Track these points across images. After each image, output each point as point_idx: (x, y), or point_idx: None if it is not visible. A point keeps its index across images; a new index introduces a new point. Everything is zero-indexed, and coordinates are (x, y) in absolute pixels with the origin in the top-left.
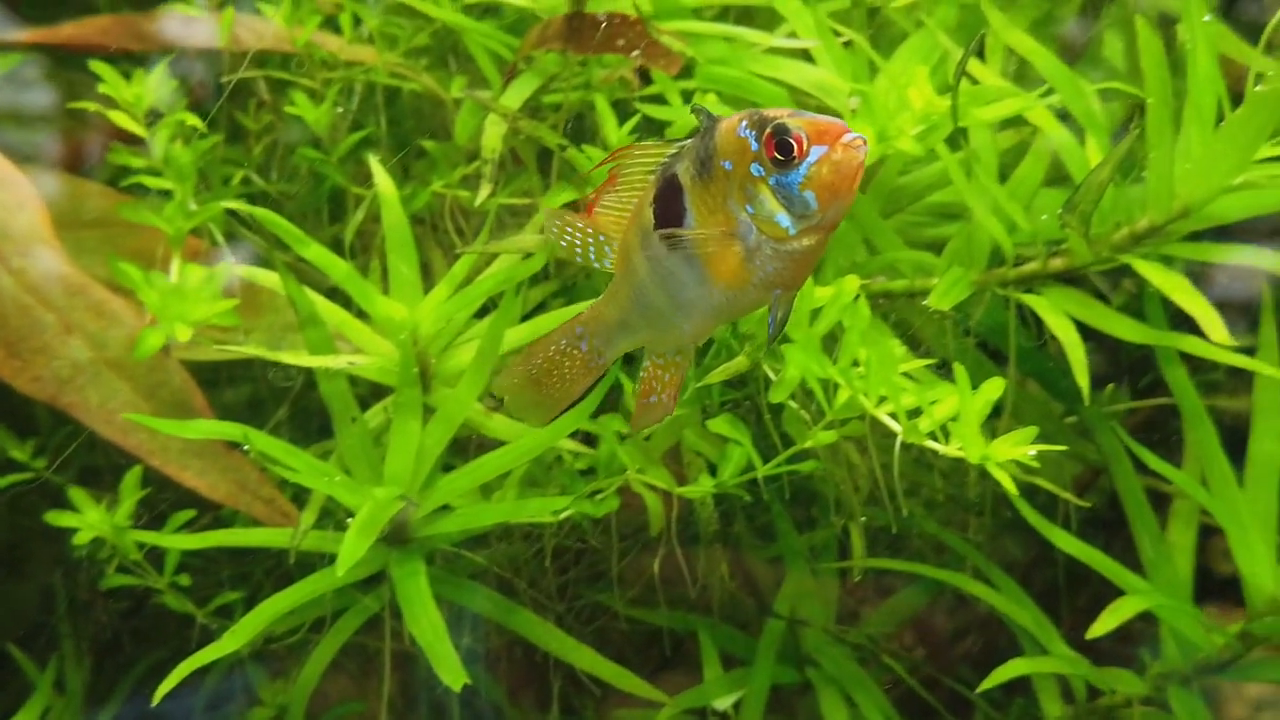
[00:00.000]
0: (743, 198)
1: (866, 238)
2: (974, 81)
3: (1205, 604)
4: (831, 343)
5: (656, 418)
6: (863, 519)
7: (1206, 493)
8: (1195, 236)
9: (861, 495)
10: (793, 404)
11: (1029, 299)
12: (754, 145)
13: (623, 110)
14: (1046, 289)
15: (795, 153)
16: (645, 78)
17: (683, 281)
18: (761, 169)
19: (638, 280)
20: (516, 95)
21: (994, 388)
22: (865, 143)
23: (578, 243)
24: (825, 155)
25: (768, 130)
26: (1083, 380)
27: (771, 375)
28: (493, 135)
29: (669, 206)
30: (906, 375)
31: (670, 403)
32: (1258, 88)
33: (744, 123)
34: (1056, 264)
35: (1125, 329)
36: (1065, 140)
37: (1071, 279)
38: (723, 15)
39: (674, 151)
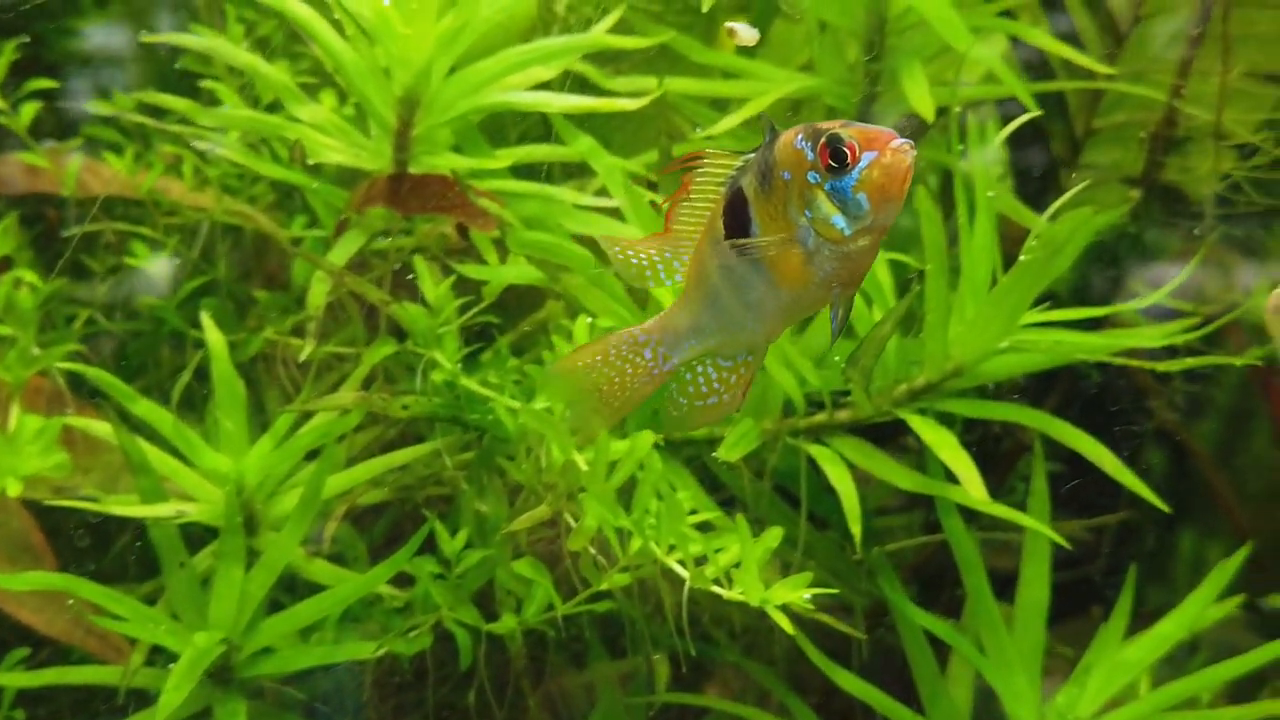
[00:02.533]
0: (801, 204)
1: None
2: None
3: None
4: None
5: (718, 417)
6: (656, 656)
7: (977, 651)
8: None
9: (668, 626)
10: (590, 550)
11: (814, 449)
12: (809, 155)
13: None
14: (833, 438)
15: (848, 159)
16: (465, 233)
17: (753, 285)
18: (818, 176)
19: (712, 286)
20: (343, 251)
21: (773, 537)
22: (913, 148)
23: (645, 266)
24: (875, 160)
25: (822, 140)
26: (855, 528)
27: (572, 522)
28: (317, 292)
29: (736, 216)
30: (705, 524)
31: (739, 400)
32: (1023, 257)
33: (800, 136)
34: (842, 416)
35: (901, 478)
36: None
37: (856, 429)
38: (539, 172)
39: (740, 164)
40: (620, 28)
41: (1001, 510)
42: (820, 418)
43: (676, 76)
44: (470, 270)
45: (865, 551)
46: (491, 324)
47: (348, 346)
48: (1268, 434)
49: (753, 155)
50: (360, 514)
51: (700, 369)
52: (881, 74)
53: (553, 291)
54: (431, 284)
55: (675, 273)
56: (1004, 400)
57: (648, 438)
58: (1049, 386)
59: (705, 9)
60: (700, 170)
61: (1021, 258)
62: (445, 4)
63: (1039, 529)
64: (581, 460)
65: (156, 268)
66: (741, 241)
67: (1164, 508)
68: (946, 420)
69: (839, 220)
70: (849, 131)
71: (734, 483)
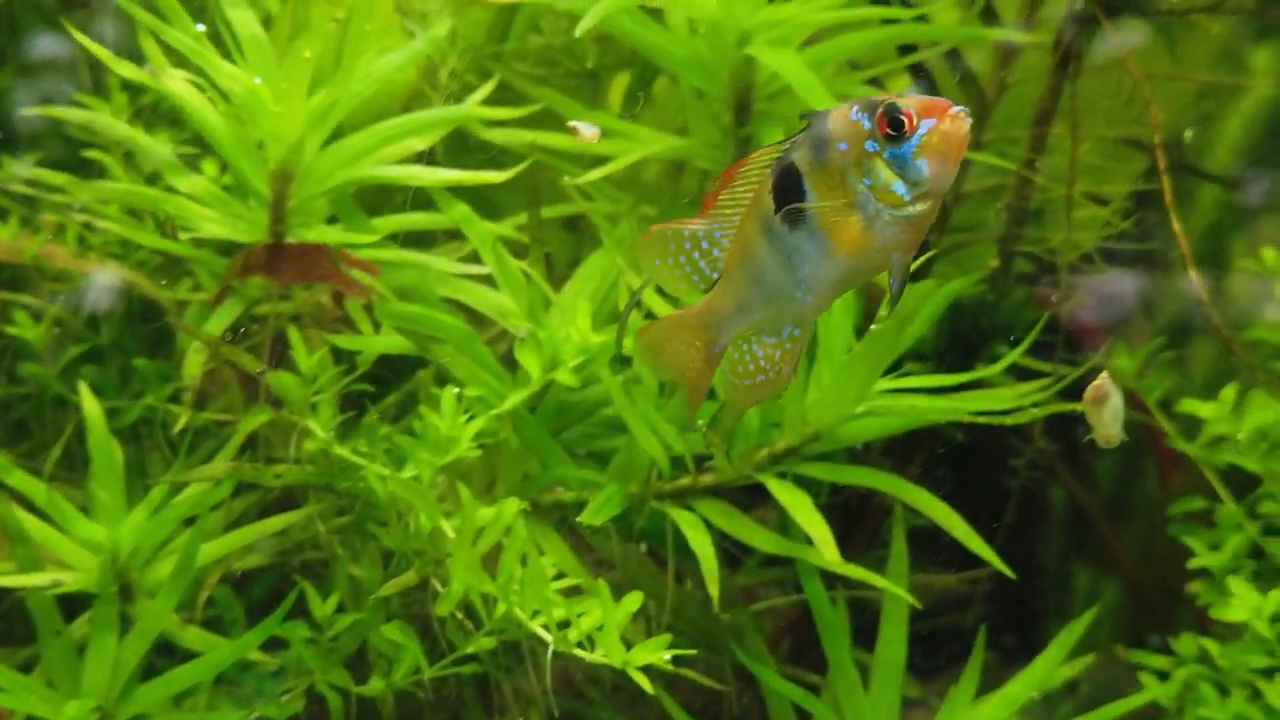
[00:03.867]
0: (859, 173)
1: (539, 455)
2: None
3: None
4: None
5: (769, 393)
6: (521, 719)
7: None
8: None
9: (543, 685)
10: (458, 614)
11: (676, 513)
12: (867, 125)
13: None
14: (698, 501)
15: (906, 127)
16: (341, 302)
17: (807, 255)
18: (876, 145)
19: (759, 264)
20: (220, 320)
21: (632, 601)
22: (968, 114)
23: (685, 261)
24: (935, 126)
25: (879, 111)
26: (713, 590)
27: (440, 588)
28: (193, 363)
29: (788, 191)
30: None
31: (791, 374)
32: (874, 326)
33: (855, 109)
34: (706, 480)
35: (761, 540)
36: None
37: (720, 491)
38: (423, 238)
39: (786, 147)
40: (502, 88)
41: (856, 572)
42: (685, 481)
43: (557, 135)
44: (340, 341)
45: (730, 611)
46: (367, 391)
47: (226, 413)
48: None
49: (798, 137)
50: (243, 577)
51: (746, 348)
52: (750, 138)
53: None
54: (305, 353)
55: (717, 264)
56: (869, 460)
57: (513, 505)
58: (923, 437)
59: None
60: (747, 163)
61: (873, 326)
62: (318, 80)
63: (893, 590)
64: (449, 526)
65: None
66: (800, 206)
67: (1009, 574)
68: (811, 482)
69: (899, 186)
70: (905, 101)
71: (603, 545)
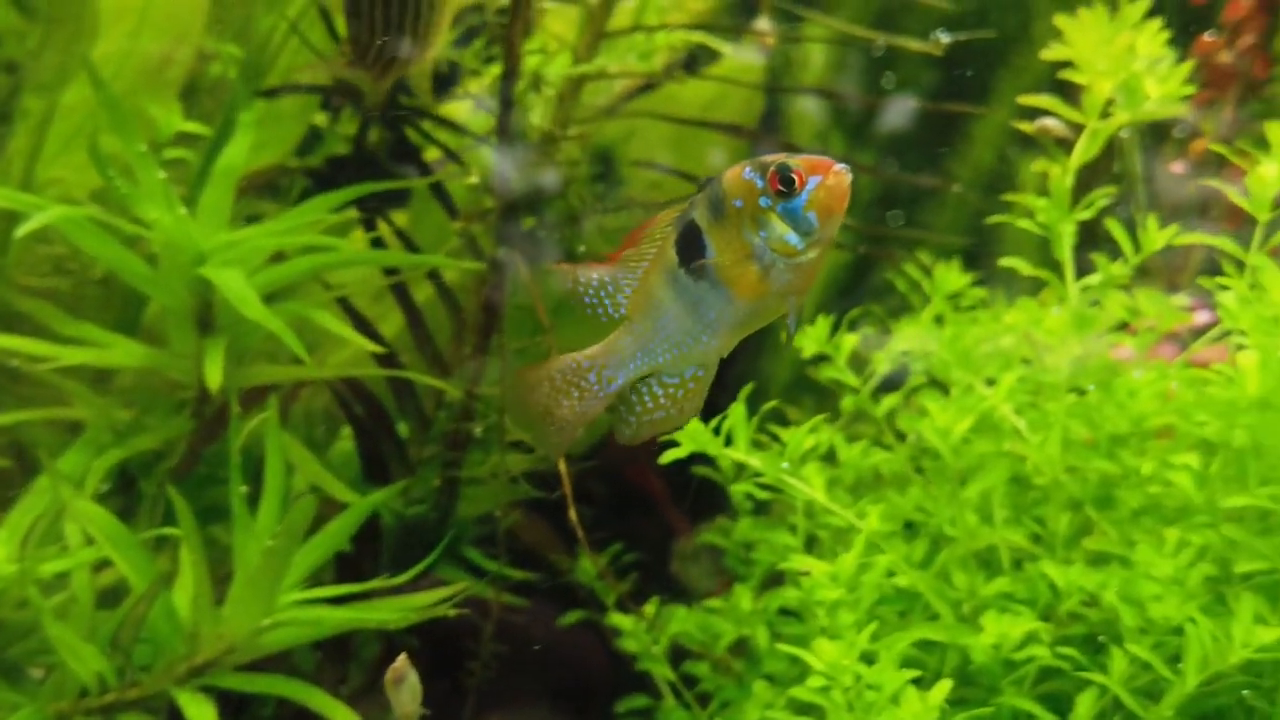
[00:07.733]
0: (755, 227)
1: None
2: None
3: None
4: None
5: (669, 428)
6: None
7: None
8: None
9: None
10: None
11: None
12: (759, 184)
13: None
14: (126, 715)
15: (796, 184)
16: None
17: (711, 303)
18: (769, 201)
19: (664, 310)
20: None
21: None
22: (850, 170)
23: (594, 297)
24: (821, 182)
25: (771, 170)
26: None
27: None
28: None
29: (692, 245)
30: None
31: (691, 412)
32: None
33: (747, 169)
34: (133, 693)
35: None
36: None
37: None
38: None
39: (685, 206)
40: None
41: None
42: (112, 696)
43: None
44: None
45: None
46: None
47: None
48: None
49: (697, 196)
50: None
51: (646, 389)
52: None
53: None
54: None
55: (620, 308)
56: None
57: None
58: None
59: None
60: (653, 223)
61: (269, 542)
62: None
63: None
64: None
65: None
66: (704, 264)
67: None
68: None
69: (792, 237)
70: (793, 161)
71: None
